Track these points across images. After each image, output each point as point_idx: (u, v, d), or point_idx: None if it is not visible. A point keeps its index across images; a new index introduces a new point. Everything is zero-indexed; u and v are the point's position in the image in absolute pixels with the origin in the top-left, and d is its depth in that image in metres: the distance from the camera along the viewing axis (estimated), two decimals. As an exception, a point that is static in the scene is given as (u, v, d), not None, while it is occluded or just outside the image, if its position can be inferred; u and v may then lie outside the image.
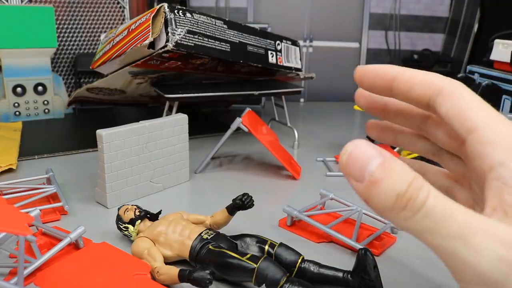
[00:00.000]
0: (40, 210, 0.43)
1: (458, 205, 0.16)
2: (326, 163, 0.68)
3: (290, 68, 0.79)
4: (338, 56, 1.24)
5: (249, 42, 0.70)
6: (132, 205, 0.42)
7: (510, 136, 0.18)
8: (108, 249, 0.37)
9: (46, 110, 0.92)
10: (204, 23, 0.63)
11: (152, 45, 0.60)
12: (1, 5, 0.84)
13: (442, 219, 0.16)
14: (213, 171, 0.64)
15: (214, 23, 0.64)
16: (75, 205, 0.50)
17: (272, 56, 0.75)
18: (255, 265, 0.33)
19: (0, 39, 0.83)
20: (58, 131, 0.85)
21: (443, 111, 0.19)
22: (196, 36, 0.61)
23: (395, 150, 0.65)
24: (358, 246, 0.40)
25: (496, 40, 0.80)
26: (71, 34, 0.99)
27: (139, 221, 0.41)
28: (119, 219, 0.41)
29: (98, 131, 0.48)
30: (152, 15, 0.58)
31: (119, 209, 0.42)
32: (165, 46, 0.58)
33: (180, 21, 0.59)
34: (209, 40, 0.63)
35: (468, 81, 0.83)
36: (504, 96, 0.75)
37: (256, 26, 0.79)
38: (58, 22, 0.96)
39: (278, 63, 0.76)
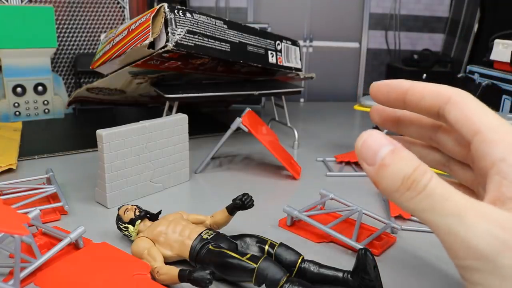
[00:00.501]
0: (40, 210, 0.43)
1: (458, 191, 0.18)
2: (326, 163, 0.68)
3: (290, 68, 0.79)
4: (338, 56, 1.24)
5: (249, 42, 0.70)
6: (132, 205, 0.42)
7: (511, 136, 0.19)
8: (108, 249, 0.37)
9: (46, 110, 0.92)
10: (204, 23, 0.63)
11: (152, 45, 0.60)
12: (1, 5, 0.84)
13: (441, 199, 0.18)
14: (213, 171, 0.64)
15: (214, 23, 0.64)
16: (75, 205, 0.50)
17: (272, 56, 0.75)
18: (255, 265, 0.33)
19: (0, 39, 0.83)
20: (58, 131, 0.85)
21: (452, 117, 0.21)
22: (196, 36, 0.61)
23: None
24: (358, 246, 0.40)
25: (496, 40, 0.80)
26: (71, 34, 0.99)
27: (139, 221, 0.41)
28: (119, 219, 0.41)
29: (98, 131, 0.48)
30: (152, 15, 0.58)
31: (119, 209, 0.42)
32: (165, 46, 0.58)
33: (180, 21, 0.59)
34: (209, 40, 0.63)
35: (468, 81, 0.83)
36: (504, 96, 0.75)
37: (256, 26, 0.79)
38: (58, 22, 0.96)
39: (278, 63, 0.76)
